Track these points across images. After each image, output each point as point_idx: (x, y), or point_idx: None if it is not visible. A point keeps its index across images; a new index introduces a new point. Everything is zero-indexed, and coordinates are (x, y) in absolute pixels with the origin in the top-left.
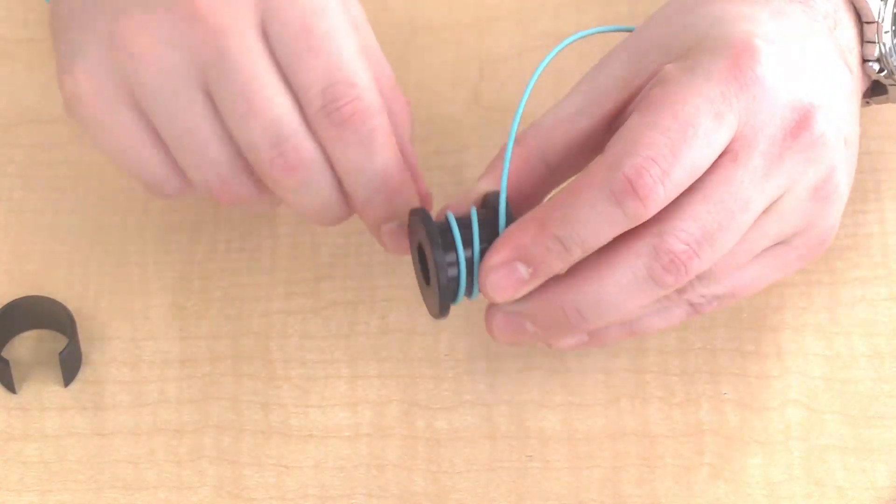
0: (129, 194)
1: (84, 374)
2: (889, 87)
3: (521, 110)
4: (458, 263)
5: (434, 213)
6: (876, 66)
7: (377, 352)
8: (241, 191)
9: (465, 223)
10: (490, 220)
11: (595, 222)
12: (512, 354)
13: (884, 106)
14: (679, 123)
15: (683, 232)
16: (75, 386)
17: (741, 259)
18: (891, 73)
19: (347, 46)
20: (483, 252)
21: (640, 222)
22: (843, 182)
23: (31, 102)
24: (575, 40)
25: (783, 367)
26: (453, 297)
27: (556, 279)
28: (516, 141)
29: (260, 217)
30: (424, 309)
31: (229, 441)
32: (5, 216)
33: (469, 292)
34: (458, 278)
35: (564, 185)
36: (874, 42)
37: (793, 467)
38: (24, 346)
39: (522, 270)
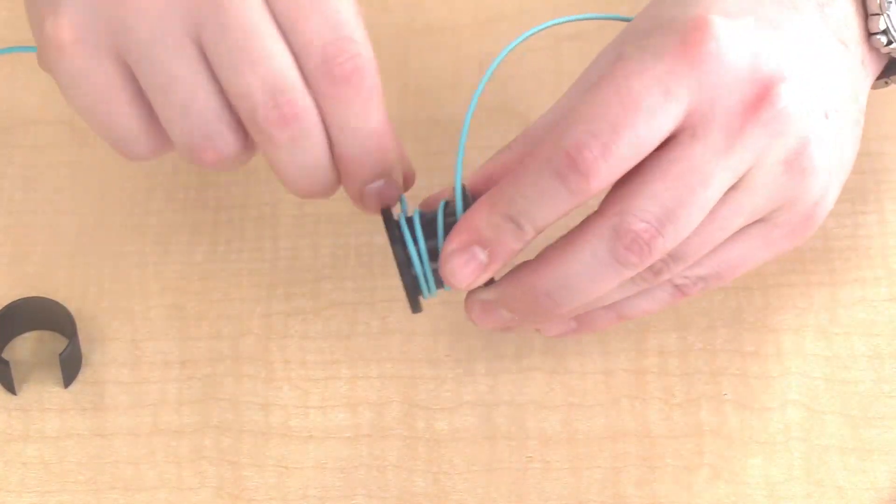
0: (130, 194)
1: (84, 375)
2: None
3: (480, 88)
4: (419, 257)
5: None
6: (883, 39)
7: (377, 352)
8: (225, 148)
9: (433, 218)
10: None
11: (541, 199)
12: (512, 355)
13: (885, 106)
14: (621, 99)
15: (643, 211)
16: (75, 387)
17: (717, 237)
18: None
19: (347, 4)
20: None
21: (587, 197)
22: (824, 155)
23: (31, 104)
24: (548, 27)
25: (783, 367)
26: (421, 290)
27: (524, 265)
28: (507, 147)
29: (260, 218)
30: (424, 309)
31: (229, 442)
32: (5, 217)
33: (439, 283)
34: (419, 271)
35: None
36: (879, 14)
37: (793, 468)
38: (25, 347)
39: (480, 254)
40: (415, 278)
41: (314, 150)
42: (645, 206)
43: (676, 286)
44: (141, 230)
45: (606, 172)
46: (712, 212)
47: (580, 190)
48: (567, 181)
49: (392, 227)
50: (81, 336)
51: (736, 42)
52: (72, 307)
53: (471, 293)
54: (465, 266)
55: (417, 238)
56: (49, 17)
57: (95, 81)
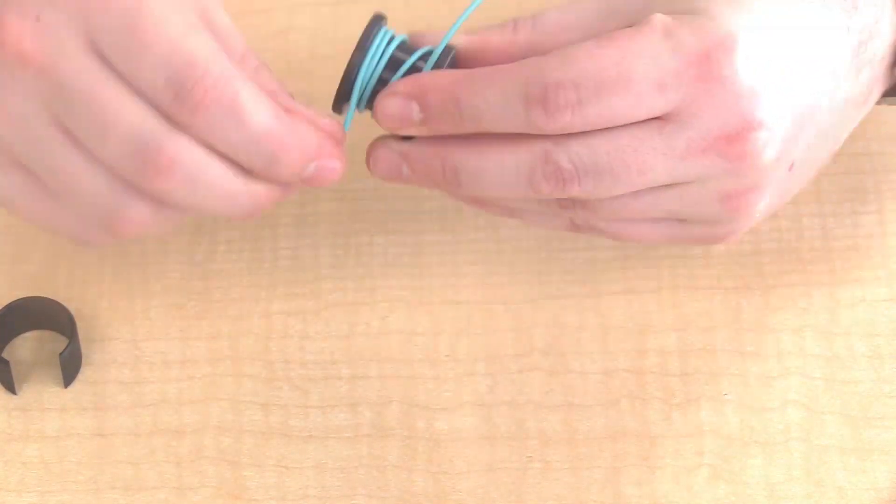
0: None
1: (84, 374)
2: None
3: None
4: (370, 67)
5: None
6: None
7: (377, 352)
8: (139, 215)
9: (410, 51)
10: (434, 61)
11: (498, 109)
12: (512, 355)
13: (884, 107)
14: (619, 70)
15: (576, 154)
16: (75, 387)
17: (629, 213)
18: None
19: (176, 28)
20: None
21: (540, 133)
22: (765, 203)
23: None
24: None
25: (783, 367)
26: (349, 95)
27: (451, 136)
28: (514, 26)
29: (260, 218)
30: (424, 309)
31: (229, 442)
32: (5, 217)
33: (369, 106)
34: (361, 79)
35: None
36: None
37: (793, 468)
38: (25, 346)
39: (415, 111)
40: (352, 83)
41: (216, 180)
42: (580, 151)
43: (573, 222)
44: None
45: (568, 122)
46: (637, 193)
47: (537, 124)
48: (530, 110)
49: (368, 34)
50: (81, 336)
51: (750, 74)
52: (72, 307)
53: (382, 137)
54: (395, 111)
55: (384, 55)
56: None
57: (9, 192)
